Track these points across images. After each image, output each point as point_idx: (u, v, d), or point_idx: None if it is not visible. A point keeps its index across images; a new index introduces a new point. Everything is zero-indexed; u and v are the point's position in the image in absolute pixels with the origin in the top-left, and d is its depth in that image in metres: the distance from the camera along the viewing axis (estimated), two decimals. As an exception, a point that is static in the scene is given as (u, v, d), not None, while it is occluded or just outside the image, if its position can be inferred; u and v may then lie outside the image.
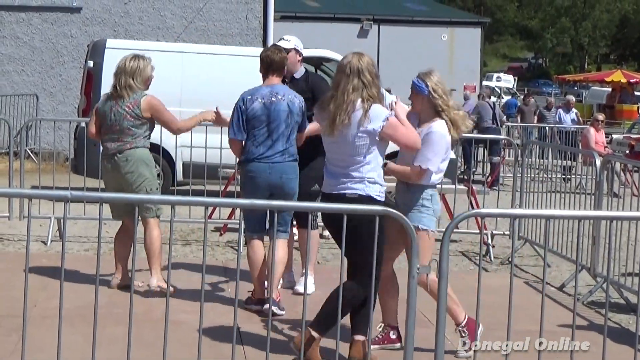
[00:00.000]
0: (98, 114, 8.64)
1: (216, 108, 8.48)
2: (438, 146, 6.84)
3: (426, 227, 6.87)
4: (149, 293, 8.38)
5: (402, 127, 6.58)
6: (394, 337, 7.08)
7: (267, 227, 8.05)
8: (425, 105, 6.92)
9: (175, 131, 8.83)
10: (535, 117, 25.18)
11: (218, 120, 8.50)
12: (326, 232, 11.45)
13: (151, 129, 8.61)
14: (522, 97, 45.18)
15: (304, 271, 8.62)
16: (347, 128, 6.45)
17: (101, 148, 8.76)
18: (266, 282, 7.90)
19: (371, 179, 6.51)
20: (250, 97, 7.90)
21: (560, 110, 23.73)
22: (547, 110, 24.81)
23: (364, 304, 6.44)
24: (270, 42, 20.39)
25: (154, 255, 8.47)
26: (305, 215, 8.00)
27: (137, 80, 8.44)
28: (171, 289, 7.97)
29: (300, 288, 8.57)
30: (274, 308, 7.54)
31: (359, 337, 6.55)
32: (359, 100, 6.45)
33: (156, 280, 8.40)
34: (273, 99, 7.87)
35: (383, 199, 6.60)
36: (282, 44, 8.62)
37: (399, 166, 6.89)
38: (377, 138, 6.48)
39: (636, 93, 46.24)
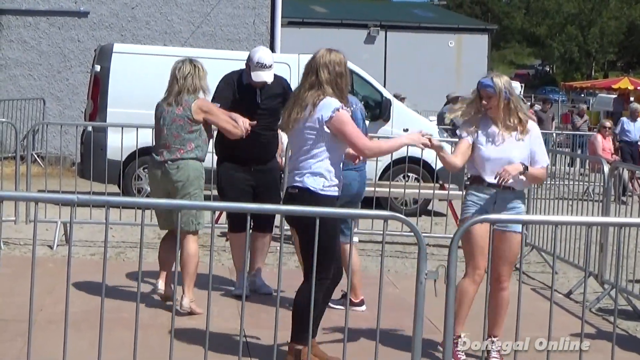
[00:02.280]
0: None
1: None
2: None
3: (520, 231, 6.84)
4: (156, 298, 8.36)
5: (353, 124, 6.50)
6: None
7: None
8: (500, 105, 6.94)
9: (234, 130, 8.17)
10: (553, 124, 25.19)
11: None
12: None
13: (207, 136, 8.24)
14: (537, 104, 45.21)
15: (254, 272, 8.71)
16: (298, 122, 6.45)
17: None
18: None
19: (315, 171, 6.42)
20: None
21: (624, 119, 23.07)
22: (580, 117, 24.75)
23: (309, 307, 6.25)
24: (278, 47, 20.39)
25: (189, 273, 8.10)
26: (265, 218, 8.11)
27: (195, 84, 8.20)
28: (199, 310, 7.93)
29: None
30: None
31: (298, 346, 6.49)
32: (312, 92, 6.43)
33: (188, 301, 8.04)
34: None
35: (331, 194, 6.47)
36: (267, 77, 8.60)
37: (537, 170, 6.94)
38: (325, 129, 6.38)
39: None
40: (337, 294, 7.36)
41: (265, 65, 8.55)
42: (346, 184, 7.74)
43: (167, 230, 8.35)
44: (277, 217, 9.80)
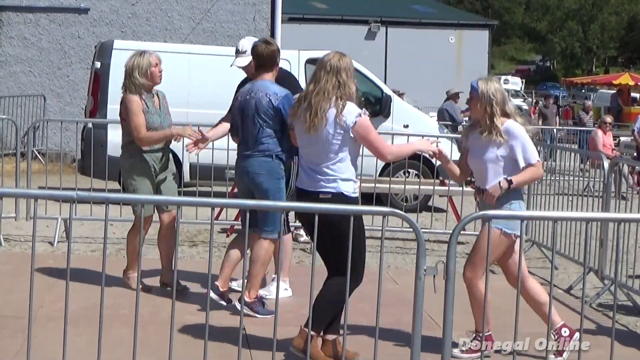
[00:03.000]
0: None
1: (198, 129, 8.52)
2: (527, 137, 6.91)
3: (512, 231, 6.86)
4: (156, 294, 8.37)
5: (374, 129, 6.67)
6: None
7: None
8: (480, 108, 6.95)
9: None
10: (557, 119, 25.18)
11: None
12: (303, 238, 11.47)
13: None
14: (535, 100, 45.17)
15: (274, 276, 8.63)
16: (323, 125, 6.49)
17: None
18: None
19: (344, 176, 6.56)
20: (237, 94, 8.12)
21: None
22: (585, 113, 24.70)
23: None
24: (278, 43, 20.30)
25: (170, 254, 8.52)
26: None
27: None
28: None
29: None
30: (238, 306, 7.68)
31: (330, 336, 6.61)
32: (334, 98, 6.49)
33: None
34: (247, 96, 7.95)
35: (356, 196, 6.64)
36: (238, 62, 8.59)
37: (523, 174, 6.90)
38: (350, 135, 6.50)
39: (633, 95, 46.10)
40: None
41: (239, 50, 8.61)
42: (285, 175, 7.87)
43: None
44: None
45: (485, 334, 6.80)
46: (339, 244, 6.21)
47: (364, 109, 6.60)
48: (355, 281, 6.37)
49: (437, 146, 6.91)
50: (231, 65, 8.61)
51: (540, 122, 25.68)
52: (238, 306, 7.65)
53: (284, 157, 7.94)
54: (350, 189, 6.56)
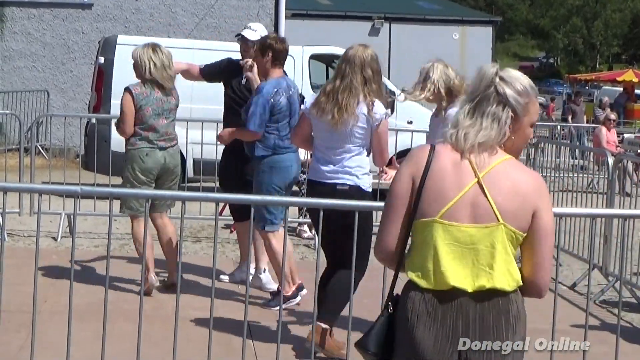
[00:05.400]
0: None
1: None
2: None
3: None
4: (159, 289, 8.37)
5: (387, 134, 6.78)
6: None
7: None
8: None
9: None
10: (586, 118, 25.12)
11: None
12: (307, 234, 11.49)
13: None
14: (551, 97, 45.09)
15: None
16: (350, 119, 6.53)
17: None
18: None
19: (362, 170, 6.65)
20: (275, 90, 7.83)
21: None
22: (602, 110, 24.70)
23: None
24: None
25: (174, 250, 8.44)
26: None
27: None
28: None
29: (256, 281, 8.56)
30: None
31: (320, 324, 6.56)
32: (361, 95, 6.53)
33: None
34: (290, 92, 7.90)
35: (371, 190, 6.74)
36: (247, 33, 8.64)
37: None
38: (372, 131, 6.61)
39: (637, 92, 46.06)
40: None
41: (250, 27, 8.73)
42: (288, 167, 7.83)
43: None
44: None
45: None
46: (350, 237, 6.20)
47: (388, 110, 6.69)
48: (361, 273, 6.49)
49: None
50: (237, 36, 8.69)
51: (569, 119, 25.69)
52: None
53: None
54: (367, 183, 6.66)
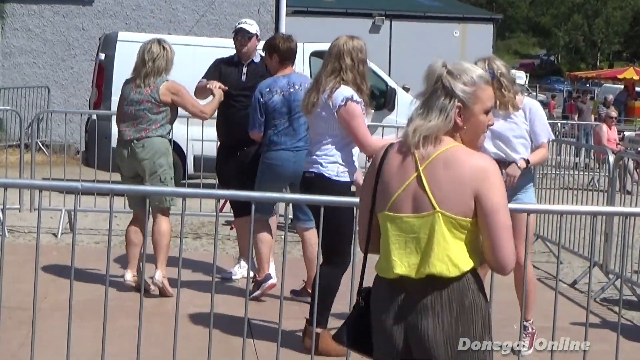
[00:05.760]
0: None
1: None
2: (542, 116, 6.97)
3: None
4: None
5: (361, 119, 6.59)
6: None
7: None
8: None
9: (200, 114, 8.57)
10: (593, 116, 25.09)
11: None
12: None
13: (172, 117, 8.44)
14: (552, 95, 45.05)
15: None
16: (316, 107, 6.56)
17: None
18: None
19: (330, 158, 6.60)
20: (268, 89, 7.88)
21: None
22: (606, 108, 24.66)
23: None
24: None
25: (162, 249, 8.27)
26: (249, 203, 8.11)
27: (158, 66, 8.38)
28: (170, 290, 8.00)
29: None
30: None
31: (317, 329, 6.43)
32: (332, 82, 6.51)
33: (160, 275, 8.18)
34: (291, 89, 7.88)
35: (345, 179, 6.63)
36: (245, 27, 8.66)
37: (537, 154, 6.93)
38: (335, 117, 6.53)
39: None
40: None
41: (247, 22, 8.81)
42: (277, 165, 7.82)
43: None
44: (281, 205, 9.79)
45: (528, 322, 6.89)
46: (326, 229, 6.22)
47: (356, 95, 6.55)
48: (338, 266, 6.46)
49: None
50: (235, 30, 8.73)
51: (576, 117, 25.68)
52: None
53: None
54: (333, 171, 6.58)
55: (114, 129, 9.11)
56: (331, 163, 6.59)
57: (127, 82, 8.44)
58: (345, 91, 6.51)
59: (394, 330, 3.70)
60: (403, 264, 3.65)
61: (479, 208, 3.57)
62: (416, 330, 3.64)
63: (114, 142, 11.97)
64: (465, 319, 3.63)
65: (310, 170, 6.65)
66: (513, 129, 6.87)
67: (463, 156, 3.62)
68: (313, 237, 7.75)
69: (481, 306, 3.67)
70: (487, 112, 3.71)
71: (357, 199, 6.03)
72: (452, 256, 3.59)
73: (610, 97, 28.29)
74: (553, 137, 6.95)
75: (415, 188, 3.63)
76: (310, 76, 14.96)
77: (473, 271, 3.63)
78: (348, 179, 6.64)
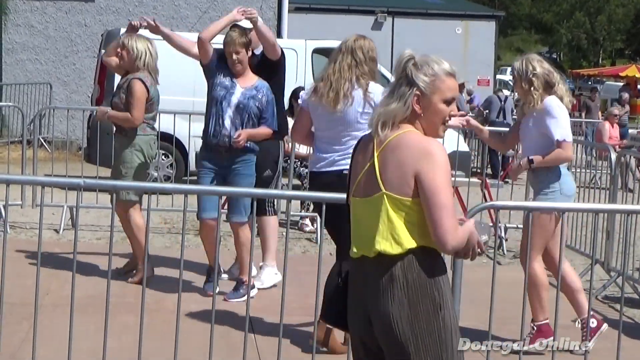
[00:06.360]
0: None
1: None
2: (562, 115, 6.91)
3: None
4: (161, 283, 8.37)
5: None
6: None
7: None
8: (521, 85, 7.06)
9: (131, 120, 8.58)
10: (600, 113, 25.02)
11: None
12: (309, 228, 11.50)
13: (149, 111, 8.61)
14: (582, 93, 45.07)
15: (261, 263, 8.61)
16: (349, 105, 6.49)
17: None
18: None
19: None
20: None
21: None
22: (622, 107, 24.56)
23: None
24: (285, 33, 20.36)
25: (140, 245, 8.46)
26: (262, 202, 8.09)
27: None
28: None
29: (256, 283, 8.40)
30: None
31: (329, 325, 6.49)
32: (354, 77, 6.49)
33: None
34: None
35: None
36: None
37: (548, 155, 6.89)
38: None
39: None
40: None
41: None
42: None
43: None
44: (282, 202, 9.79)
45: (540, 323, 6.88)
46: (332, 228, 6.21)
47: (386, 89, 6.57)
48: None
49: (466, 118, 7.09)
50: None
51: (583, 115, 25.65)
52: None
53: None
54: None
55: (116, 126, 9.14)
56: None
57: (151, 79, 8.68)
58: (379, 87, 6.51)
59: (358, 306, 3.91)
60: (359, 245, 3.88)
61: (420, 187, 3.72)
62: (372, 306, 3.82)
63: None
64: (411, 296, 3.75)
65: (332, 169, 6.54)
66: (532, 127, 6.93)
67: (411, 139, 3.79)
68: (245, 232, 7.97)
69: (427, 284, 3.78)
70: (447, 103, 3.86)
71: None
72: (395, 235, 3.76)
73: (626, 96, 28.15)
74: (569, 139, 6.88)
75: (371, 172, 3.82)
76: (312, 73, 15.09)
77: (421, 249, 3.76)
78: None
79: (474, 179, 12.37)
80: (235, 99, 8.00)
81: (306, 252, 10.38)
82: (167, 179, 14.48)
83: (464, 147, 14.78)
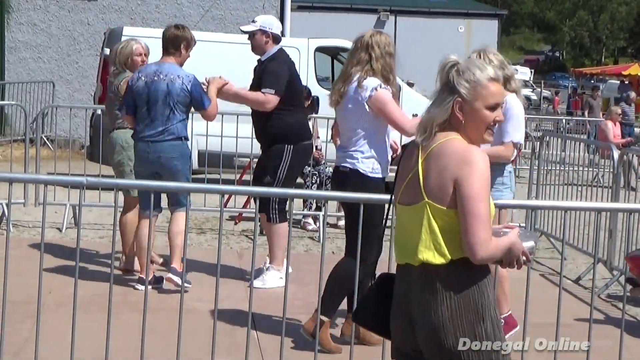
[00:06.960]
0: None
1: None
2: (517, 116, 6.79)
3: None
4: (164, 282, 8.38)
5: (394, 103, 6.56)
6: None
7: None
8: None
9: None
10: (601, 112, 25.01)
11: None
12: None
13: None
14: (555, 90, 45.03)
15: (267, 265, 8.57)
16: (344, 99, 6.53)
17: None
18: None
19: (366, 154, 6.54)
20: (138, 74, 8.10)
21: None
22: (627, 105, 24.50)
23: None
24: (287, 32, 20.34)
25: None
26: (266, 206, 8.06)
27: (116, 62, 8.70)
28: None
29: (257, 282, 8.32)
30: (176, 279, 7.88)
31: (323, 317, 6.39)
32: (359, 73, 6.48)
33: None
34: (155, 78, 7.96)
35: (379, 176, 6.58)
36: (243, 28, 8.66)
37: (490, 148, 6.79)
38: (366, 109, 6.48)
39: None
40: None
41: (254, 20, 8.72)
42: (136, 155, 8.11)
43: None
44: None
45: (505, 315, 6.85)
46: (349, 224, 6.22)
47: (384, 85, 6.52)
48: (367, 264, 6.14)
49: None
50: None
51: (586, 113, 25.65)
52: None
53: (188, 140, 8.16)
54: (369, 167, 6.53)
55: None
56: (367, 158, 6.53)
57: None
58: (372, 82, 6.49)
59: (402, 313, 3.85)
60: (404, 252, 3.84)
61: (457, 194, 3.67)
62: (416, 315, 3.78)
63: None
64: (454, 307, 3.72)
65: (344, 164, 6.58)
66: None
67: (454, 147, 3.74)
68: (179, 219, 7.92)
69: (470, 295, 3.74)
70: (490, 109, 3.80)
71: (358, 194, 6.04)
72: (437, 244, 3.72)
73: (633, 95, 28.09)
74: (515, 140, 6.66)
75: (415, 179, 3.78)
76: (315, 71, 15.10)
77: (463, 260, 3.70)
78: (381, 175, 6.60)
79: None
80: None
81: (309, 251, 10.38)
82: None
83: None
